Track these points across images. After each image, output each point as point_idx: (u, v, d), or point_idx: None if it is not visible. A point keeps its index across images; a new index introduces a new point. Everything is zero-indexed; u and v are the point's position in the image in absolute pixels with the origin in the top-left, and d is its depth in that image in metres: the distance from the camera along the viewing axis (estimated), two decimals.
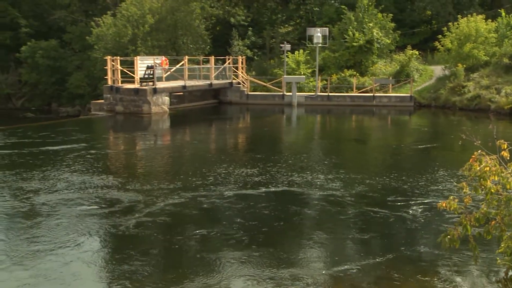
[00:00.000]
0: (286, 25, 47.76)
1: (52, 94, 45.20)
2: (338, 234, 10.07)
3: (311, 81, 34.70)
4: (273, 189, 12.79)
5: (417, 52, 36.58)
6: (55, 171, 14.54)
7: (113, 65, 28.74)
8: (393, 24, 38.28)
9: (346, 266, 8.38)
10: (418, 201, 11.74)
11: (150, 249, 9.31)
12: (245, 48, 40.69)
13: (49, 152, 17.78)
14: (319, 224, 10.57)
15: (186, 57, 31.41)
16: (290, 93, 32.84)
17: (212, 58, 32.58)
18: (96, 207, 11.41)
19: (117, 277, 8.08)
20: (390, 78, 34.09)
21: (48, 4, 47.61)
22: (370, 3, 37.60)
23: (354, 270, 8.27)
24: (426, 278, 7.98)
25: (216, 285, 7.76)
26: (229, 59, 34.27)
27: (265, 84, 34.87)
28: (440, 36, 34.49)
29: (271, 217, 10.97)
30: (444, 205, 6.61)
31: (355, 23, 36.53)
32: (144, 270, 8.33)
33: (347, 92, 33.79)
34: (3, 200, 11.94)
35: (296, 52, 36.98)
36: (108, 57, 29.26)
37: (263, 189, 12.76)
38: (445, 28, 34.46)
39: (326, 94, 33.13)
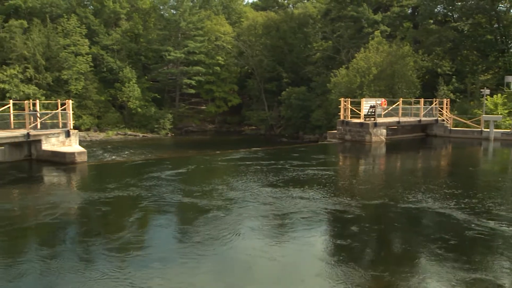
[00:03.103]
0: (486, 74, 42.82)
1: (300, 125, 47.18)
2: None
3: (507, 120, 30.31)
4: (467, 207, 11.27)
5: None
6: (293, 176, 14.92)
7: (344, 104, 28.81)
8: None
9: None
10: None
11: (361, 244, 8.93)
12: (449, 92, 37.39)
13: (298, 164, 18.37)
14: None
15: (401, 99, 30.06)
16: (488, 130, 29.16)
17: (422, 100, 30.68)
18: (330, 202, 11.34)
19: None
20: None
21: (301, 62, 50.40)
22: None
23: None
24: None
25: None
26: (435, 101, 31.97)
27: (465, 121, 31.52)
28: None
29: (462, 232, 9.63)
30: None
31: None
32: (356, 262, 7.99)
33: None
34: (258, 196, 12.50)
35: (495, 95, 32.71)
36: (341, 99, 29.47)
37: (462, 210, 11.34)
38: None
39: None
